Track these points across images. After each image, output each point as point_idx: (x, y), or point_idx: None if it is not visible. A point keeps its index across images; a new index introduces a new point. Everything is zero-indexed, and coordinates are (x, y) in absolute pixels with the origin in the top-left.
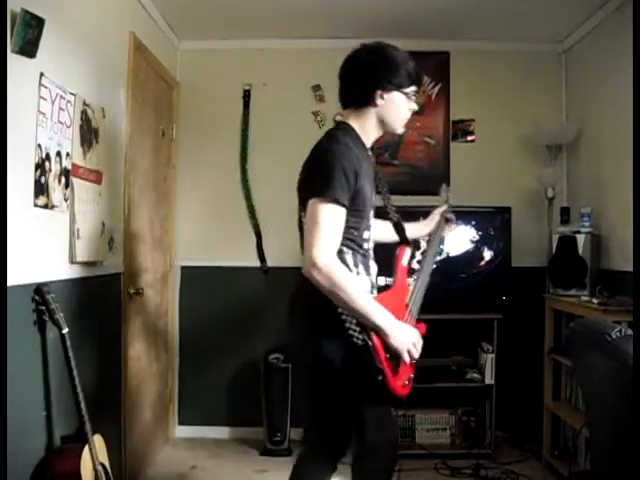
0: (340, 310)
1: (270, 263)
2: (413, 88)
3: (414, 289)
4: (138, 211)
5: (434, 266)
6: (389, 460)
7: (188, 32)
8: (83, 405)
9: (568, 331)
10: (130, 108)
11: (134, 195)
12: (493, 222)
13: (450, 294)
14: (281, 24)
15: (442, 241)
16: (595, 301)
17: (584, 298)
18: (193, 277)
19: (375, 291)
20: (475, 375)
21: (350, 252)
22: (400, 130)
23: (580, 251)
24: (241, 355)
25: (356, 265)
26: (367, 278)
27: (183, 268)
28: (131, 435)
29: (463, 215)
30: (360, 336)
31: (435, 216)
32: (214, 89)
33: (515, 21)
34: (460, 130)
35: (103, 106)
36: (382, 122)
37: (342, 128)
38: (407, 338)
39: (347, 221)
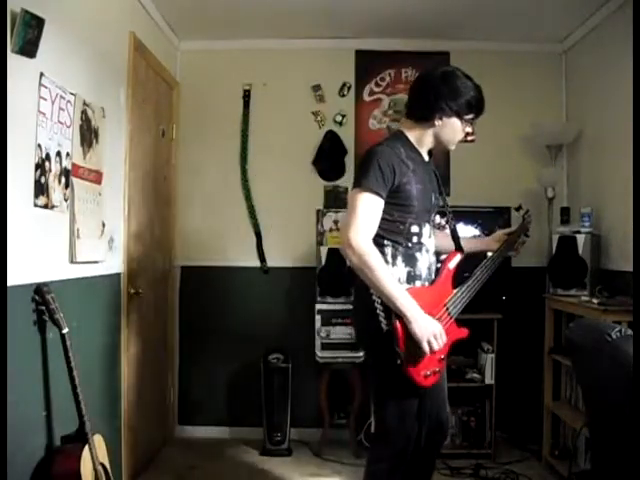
0: (374, 297)
1: (270, 263)
2: (471, 116)
3: (457, 292)
4: (138, 211)
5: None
6: (400, 450)
7: (188, 32)
8: (83, 405)
9: (568, 331)
10: (130, 108)
11: (134, 195)
12: (493, 222)
13: None
14: (281, 24)
15: (502, 259)
16: (595, 301)
17: (584, 298)
18: (193, 277)
19: (419, 283)
20: (475, 375)
21: (391, 244)
22: (452, 147)
23: (580, 251)
24: (241, 355)
25: (394, 257)
26: (405, 269)
27: (183, 268)
28: (131, 435)
29: (463, 215)
30: (385, 321)
31: (499, 236)
32: (214, 89)
33: (515, 21)
34: None
35: (103, 106)
36: (437, 139)
37: (393, 134)
38: (428, 328)
39: (392, 215)
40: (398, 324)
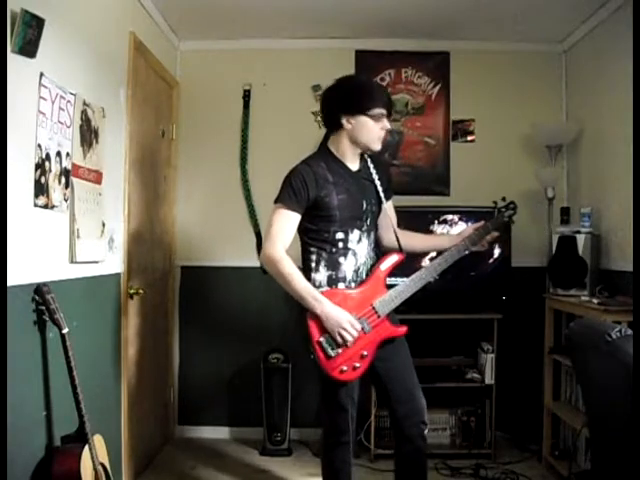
0: None
1: None
2: (379, 110)
3: (392, 291)
4: (138, 211)
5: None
6: (332, 434)
7: (188, 32)
8: (83, 405)
9: (568, 331)
10: (130, 108)
11: (134, 195)
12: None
13: (450, 294)
14: (281, 24)
15: (458, 256)
16: (595, 301)
17: (584, 298)
18: (193, 277)
19: (343, 285)
20: (475, 375)
21: (316, 251)
22: (376, 147)
23: (580, 251)
24: (241, 355)
25: (318, 263)
26: (326, 274)
27: (183, 268)
28: (131, 435)
29: (463, 215)
30: (305, 320)
31: (467, 231)
32: (214, 89)
33: (515, 21)
34: (460, 130)
35: (103, 106)
36: (354, 142)
37: (318, 150)
38: (337, 321)
39: (316, 225)
40: (310, 322)
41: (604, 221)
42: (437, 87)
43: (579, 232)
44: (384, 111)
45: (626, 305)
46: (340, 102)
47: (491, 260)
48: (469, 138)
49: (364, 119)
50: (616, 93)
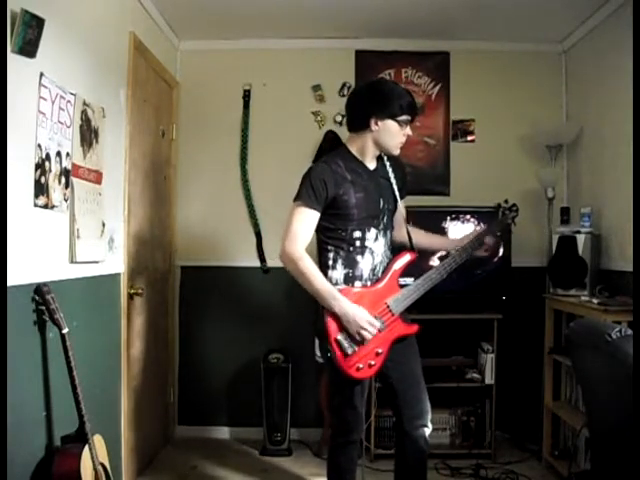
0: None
1: (270, 263)
2: (406, 117)
3: (404, 290)
4: (138, 211)
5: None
6: (341, 433)
7: (188, 32)
8: (83, 405)
9: (568, 331)
10: (130, 108)
11: (134, 195)
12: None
13: (450, 294)
14: (281, 24)
15: (466, 256)
16: (595, 301)
17: (584, 298)
18: (193, 277)
19: (360, 283)
20: (475, 375)
21: (333, 249)
22: (396, 152)
23: (580, 251)
24: (241, 355)
25: (335, 261)
26: (343, 271)
27: (183, 268)
28: (131, 435)
29: (463, 215)
30: (322, 319)
31: (472, 234)
32: (214, 89)
33: (515, 21)
34: (460, 130)
35: (103, 106)
36: (378, 144)
37: (336, 149)
38: (356, 320)
39: (333, 224)
40: (329, 320)
41: (604, 221)
42: (437, 87)
43: (579, 232)
44: (410, 118)
45: (626, 305)
46: (372, 104)
47: (495, 259)
48: (469, 138)
49: (391, 123)
50: (616, 93)
